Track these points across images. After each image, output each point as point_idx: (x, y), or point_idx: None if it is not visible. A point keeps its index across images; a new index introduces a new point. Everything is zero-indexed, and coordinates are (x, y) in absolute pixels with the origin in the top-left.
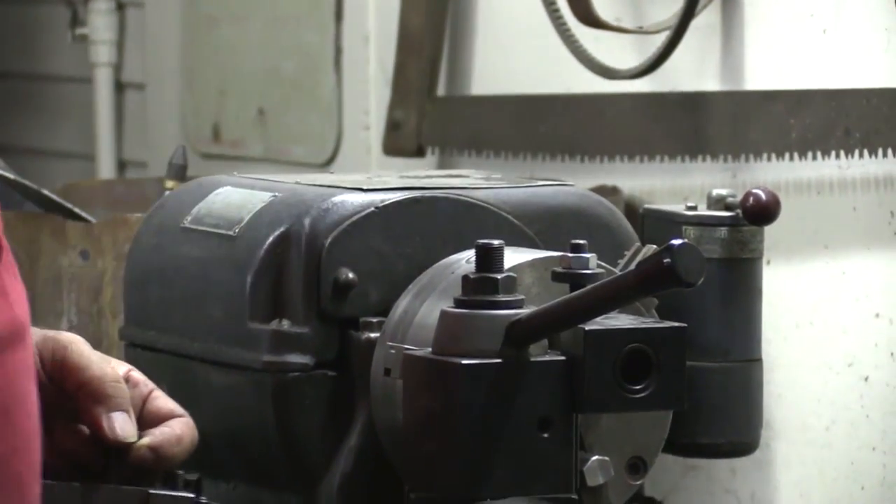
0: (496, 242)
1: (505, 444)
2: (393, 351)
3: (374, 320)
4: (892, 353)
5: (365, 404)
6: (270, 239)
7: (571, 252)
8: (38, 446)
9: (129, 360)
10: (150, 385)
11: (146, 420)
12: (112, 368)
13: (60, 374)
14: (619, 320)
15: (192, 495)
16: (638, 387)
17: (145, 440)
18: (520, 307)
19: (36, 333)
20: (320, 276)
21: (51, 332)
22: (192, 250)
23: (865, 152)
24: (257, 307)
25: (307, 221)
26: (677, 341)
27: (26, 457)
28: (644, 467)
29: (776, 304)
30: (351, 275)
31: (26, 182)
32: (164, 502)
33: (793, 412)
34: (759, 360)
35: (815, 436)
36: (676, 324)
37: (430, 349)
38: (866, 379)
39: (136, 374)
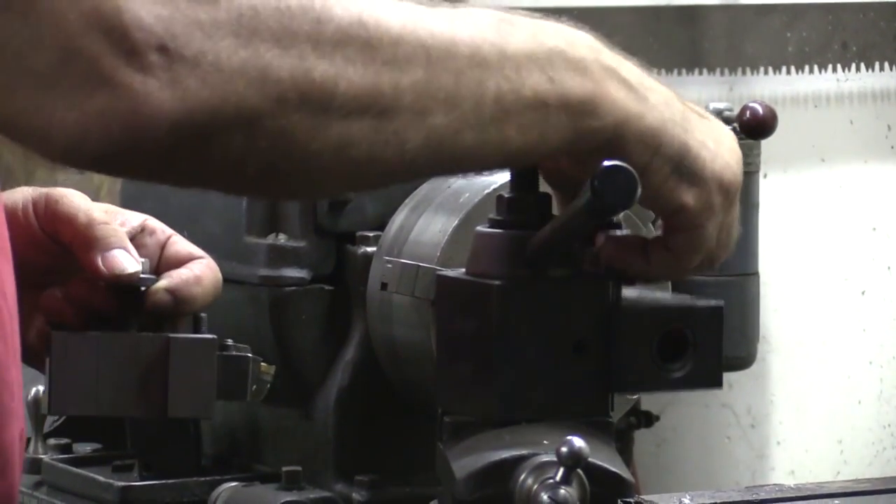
0: None
1: (540, 367)
2: (389, 265)
3: (371, 234)
4: (888, 267)
5: (361, 318)
6: None
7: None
8: (15, 328)
9: None
10: (169, 231)
11: (165, 266)
12: (101, 212)
13: (53, 228)
14: (656, 298)
15: (213, 336)
16: (675, 365)
17: (162, 283)
18: None
19: (31, 191)
20: None
21: (45, 189)
22: None
23: (863, 66)
24: (254, 221)
25: None
26: (715, 320)
27: (2, 338)
28: None
29: (773, 218)
30: None
31: None
32: (185, 345)
33: (789, 326)
34: (755, 274)
35: (812, 350)
36: (714, 302)
37: (463, 270)
38: (863, 293)
39: (153, 223)
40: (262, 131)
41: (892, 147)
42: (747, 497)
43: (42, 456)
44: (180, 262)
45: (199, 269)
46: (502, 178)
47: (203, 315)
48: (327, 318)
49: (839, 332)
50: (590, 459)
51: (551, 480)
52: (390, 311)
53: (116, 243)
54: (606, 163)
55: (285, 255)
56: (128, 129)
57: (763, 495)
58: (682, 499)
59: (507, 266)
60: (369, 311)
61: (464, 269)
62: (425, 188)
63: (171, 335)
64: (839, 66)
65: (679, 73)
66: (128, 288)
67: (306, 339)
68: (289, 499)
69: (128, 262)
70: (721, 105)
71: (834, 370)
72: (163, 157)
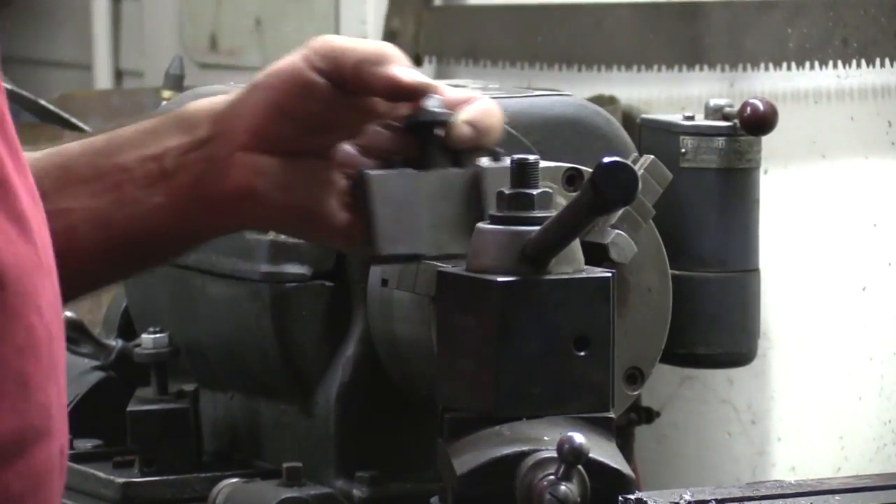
0: (532, 157)
1: (541, 363)
2: None
3: None
4: (889, 263)
5: (362, 314)
6: None
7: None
8: (53, 347)
9: None
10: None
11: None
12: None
13: (336, 65)
14: None
15: (536, 155)
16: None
17: (461, 115)
18: None
19: (295, 55)
20: None
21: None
22: None
23: (863, 62)
24: None
25: None
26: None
27: (35, 358)
28: (641, 378)
29: (774, 215)
30: None
31: (23, 92)
32: (498, 175)
33: (790, 322)
34: (756, 271)
35: (813, 346)
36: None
37: (464, 266)
38: (864, 289)
39: None
40: None
41: (893, 143)
42: (748, 493)
43: None
44: (459, 102)
45: (486, 103)
46: None
47: (500, 148)
48: (328, 315)
49: (840, 329)
50: (590, 456)
51: (552, 477)
52: (391, 307)
53: (404, 62)
54: (606, 159)
55: (286, 251)
56: None
57: (764, 491)
58: (683, 495)
59: (508, 262)
60: (370, 308)
61: (465, 266)
62: None
63: (484, 165)
64: (840, 62)
65: (680, 70)
66: (424, 127)
67: (307, 335)
68: (289, 495)
69: (420, 73)
70: (722, 101)
71: (834, 366)
72: None
